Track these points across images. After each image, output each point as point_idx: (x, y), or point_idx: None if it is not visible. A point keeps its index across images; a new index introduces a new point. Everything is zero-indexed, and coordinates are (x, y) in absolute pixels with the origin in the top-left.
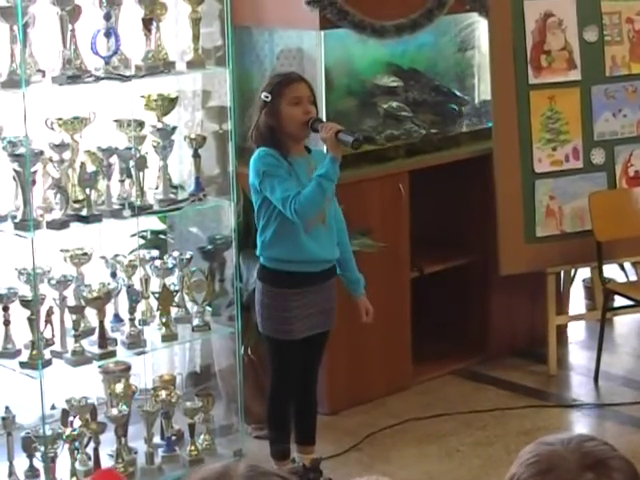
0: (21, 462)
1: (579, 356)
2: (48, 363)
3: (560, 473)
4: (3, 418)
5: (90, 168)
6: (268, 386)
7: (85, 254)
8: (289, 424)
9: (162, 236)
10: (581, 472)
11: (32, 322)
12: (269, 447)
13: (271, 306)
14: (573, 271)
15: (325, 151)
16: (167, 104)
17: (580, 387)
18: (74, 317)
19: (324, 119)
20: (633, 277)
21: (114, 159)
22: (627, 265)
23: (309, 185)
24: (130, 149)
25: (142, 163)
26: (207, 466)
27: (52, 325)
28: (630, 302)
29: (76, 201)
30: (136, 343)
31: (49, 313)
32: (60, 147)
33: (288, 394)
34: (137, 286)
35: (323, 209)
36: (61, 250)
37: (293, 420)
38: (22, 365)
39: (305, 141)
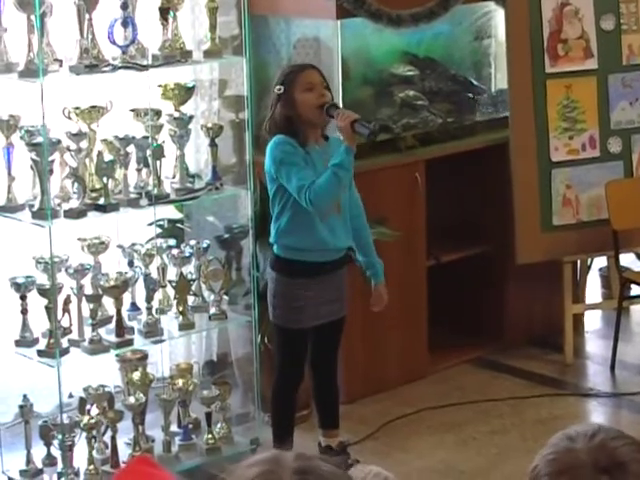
0: (39, 450)
1: (595, 345)
2: (66, 352)
3: (574, 476)
4: (21, 406)
5: (107, 157)
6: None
7: (102, 243)
8: (293, 416)
9: (179, 225)
10: (595, 476)
11: (50, 311)
12: (272, 439)
13: (284, 295)
14: (589, 260)
15: (342, 139)
16: (184, 93)
17: (596, 376)
18: (91, 306)
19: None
20: None
21: (131, 148)
22: None
23: (324, 175)
24: (147, 138)
25: (159, 152)
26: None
27: (69, 314)
28: None
29: (93, 190)
30: (153, 332)
31: (66, 302)
32: (77, 136)
33: (293, 386)
34: (154, 275)
35: (339, 198)
36: (78, 239)
37: (315, 406)
38: (40, 354)
39: (324, 129)
